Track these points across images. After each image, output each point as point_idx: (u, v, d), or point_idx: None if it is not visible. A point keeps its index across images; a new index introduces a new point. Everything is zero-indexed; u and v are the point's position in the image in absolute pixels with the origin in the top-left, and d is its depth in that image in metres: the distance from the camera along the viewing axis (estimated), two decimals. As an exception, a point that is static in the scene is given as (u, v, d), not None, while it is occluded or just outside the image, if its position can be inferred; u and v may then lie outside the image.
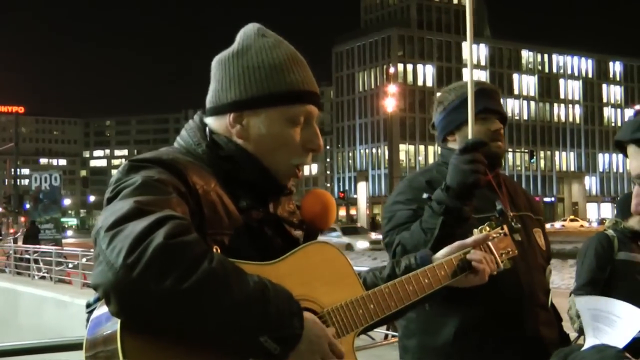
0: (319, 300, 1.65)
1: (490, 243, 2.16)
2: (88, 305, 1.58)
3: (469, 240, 2.12)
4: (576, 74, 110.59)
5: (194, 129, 1.77)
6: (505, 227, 2.25)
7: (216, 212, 1.60)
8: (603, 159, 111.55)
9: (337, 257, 1.73)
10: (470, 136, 2.59)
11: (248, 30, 1.80)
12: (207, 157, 1.71)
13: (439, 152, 2.88)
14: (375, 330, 8.91)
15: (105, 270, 1.35)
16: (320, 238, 1.83)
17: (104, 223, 1.41)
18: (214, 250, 1.52)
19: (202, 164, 1.69)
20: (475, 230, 2.21)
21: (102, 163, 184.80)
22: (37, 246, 24.14)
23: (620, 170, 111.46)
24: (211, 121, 1.77)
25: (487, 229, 2.21)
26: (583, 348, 1.89)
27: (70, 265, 21.85)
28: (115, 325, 1.38)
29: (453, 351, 2.54)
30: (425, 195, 2.50)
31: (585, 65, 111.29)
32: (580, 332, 4.54)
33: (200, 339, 1.38)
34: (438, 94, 2.94)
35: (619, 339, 2.02)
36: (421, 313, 2.57)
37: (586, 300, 2.35)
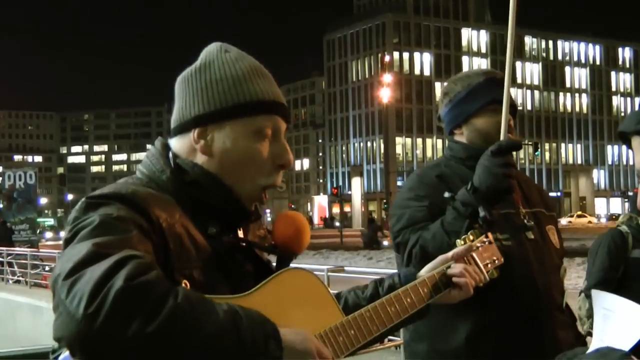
0: None
1: (474, 253, 2.14)
2: (53, 351, 1.59)
3: (450, 253, 2.10)
4: (583, 61, 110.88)
5: (155, 155, 1.77)
6: (489, 235, 2.23)
7: (182, 245, 1.60)
8: (612, 151, 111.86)
9: (312, 284, 1.72)
10: (502, 137, 2.59)
11: (210, 48, 1.84)
12: (172, 184, 1.70)
13: (447, 145, 2.89)
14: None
15: (66, 321, 1.34)
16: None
17: (62, 270, 1.40)
18: (183, 284, 1.53)
19: (166, 193, 1.69)
20: (458, 240, 2.20)
21: (80, 159, 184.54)
22: (11, 248, 24.04)
23: (631, 162, 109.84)
24: (175, 142, 1.78)
25: (471, 237, 2.19)
26: (587, 351, 1.89)
27: (47, 269, 21.77)
28: None
29: (465, 355, 2.55)
30: (447, 195, 2.50)
31: (593, 51, 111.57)
32: (589, 334, 4.54)
33: None
34: (445, 84, 2.95)
35: (625, 341, 2.02)
36: (432, 316, 2.60)
37: (603, 297, 2.34)
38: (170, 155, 1.76)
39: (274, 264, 1.82)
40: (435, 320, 2.55)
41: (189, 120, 1.75)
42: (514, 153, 2.61)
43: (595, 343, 2.05)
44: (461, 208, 2.45)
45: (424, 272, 2.06)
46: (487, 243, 2.22)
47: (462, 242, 2.18)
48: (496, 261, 2.20)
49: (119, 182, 1.74)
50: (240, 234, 1.80)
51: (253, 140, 1.74)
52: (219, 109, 1.73)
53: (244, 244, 1.78)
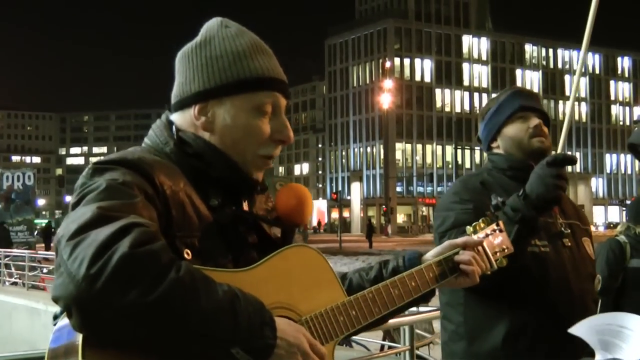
0: (297, 307, 1.65)
1: (484, 241, 2.13)
2: (55, 317, 1.58)
3: (460, 240, 2.09)
4: (582, 69, 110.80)
5: (160, 127, 1.80)
6: (501, 223, 2.23)
7: (185, 214, 1.61)
8: (610, 160, 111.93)
9: (317, 261, 1.73)
10: (560, 150, 2.73)
11: (211, 23, 1.84)
12: (175, 156, 1.72)
13: (487, 158, 2.98)
14: (371, 340, 8.86)
15: (66, 281, 1.34)
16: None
17: (65, 231, 1.41)
18: (185, 253, 1.54)
19: (171, 162, 1.70)
20: (468, 227, 2.21)
21: (79, 161, 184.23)
22: (8, 250, 23.98)
23: (629, 171, 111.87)
24: (177, 117, 1.80)
25: (482, 225, 2.20)
26: None
27: (45, 271, 21.71)
28: (78, 336, 1.39)
29: (502, 356, 2.62)
30: (499, 199, 2.54)
31: (592, 60, 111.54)
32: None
33: (168, 352, 1.39)
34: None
35: (633, 354, 2.03)
36: (470, 317, 2.70)
37: (583, 324, 2.33)
38: (174, 128, 1.77)
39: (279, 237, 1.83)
40: (473, 321, 2.70)
41: (189, 95, 1.76)
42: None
43: (600, 356, 2.03)
44: (511, 213, 2.51)
45: (430, 255, 2.05)
46: (497, 231, 2.21)
47: (472, 229, 2.19)
48: (505, 250, 2.19)
49: (126, 149, 1.74)
50: (246, 206, 1.80)
51: (253, 116, 1.74)
52: (219, 85, 1.73)
53: (247, 216, 1.78)
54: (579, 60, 2.90)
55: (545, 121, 2.86)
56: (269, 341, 1.45)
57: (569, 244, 2.75)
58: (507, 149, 2.87)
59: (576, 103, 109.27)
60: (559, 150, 2.74)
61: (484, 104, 3.11)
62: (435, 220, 2.80)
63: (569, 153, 2.91)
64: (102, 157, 1.67)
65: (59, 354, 1.46)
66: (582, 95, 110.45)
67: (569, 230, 2.78)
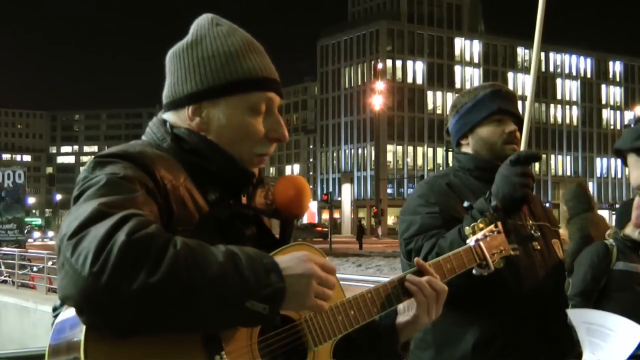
0: None
1: (481, 242, 2.16)
2: (54, 309, 1.59)
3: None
4: (574, 73, 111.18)
5: (157, 124, 1.80)
6: (499, 224, 2.25)
7: (186, 208, 1.63)
8: (601, 164, 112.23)
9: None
10: (523, 147, 2.66)
11: (201, 21, 1.83)
12: (173, 152, 1.73)
13: (454, 156, 2.90)
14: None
15: (72, 280, 1.36)
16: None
17: (67, 230, 1.43)
18: None
19: (170, 157, 1.71)
20: (467, 228, 2.22)
21: (70, 160, 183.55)
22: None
23: (619, 175, 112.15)
24: (170, 116, 1.79)
25: (480, 226, 2.22)
26: None
27: (35, 269, 21.66)
28: (79, 332, 1.40)
29: None
30: (466, 204, 2.53)
31: (584, 64, 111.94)
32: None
33: (185, 325, 1.42)
34: (455, 97, 2.98)
35: (616, 355, 2.03)
36: (438, 324, 2.51)
37: (580, 313, 2.37)
38: (168, 125, 1.78)
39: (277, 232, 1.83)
40: (441, 328, 2.58)
41: (182, 97, 1.76)
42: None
43: (586, 356, 2.07)
44: (478, 216, 2.46)
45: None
46: (495, 232, 2.22)
47: (471, 230, 2.21)
48: (503, 251, 2.21)
49: (128, 143, 1.75)
50: (244, 200, 1.80)
51: (248, 115, 1.74)
52: (212, 86, 1.73)
53: (246, 210, 1.78)
54: (533, 60, 2.86)
55: (519, 126, 2.81)
56: (278, 285, 1.48)
57: (539, 247, 2.69)
58: (477, 149, 2.80)
59: (567, 107, 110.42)
60: (521, 149, 2.69)
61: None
62: (401, 224, 2.72)
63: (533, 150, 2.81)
64: (104, 150, 1.68)
65: (61, 350, 1.46)
66: (574, 99, 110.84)
67: (539, 233, 2.73)
